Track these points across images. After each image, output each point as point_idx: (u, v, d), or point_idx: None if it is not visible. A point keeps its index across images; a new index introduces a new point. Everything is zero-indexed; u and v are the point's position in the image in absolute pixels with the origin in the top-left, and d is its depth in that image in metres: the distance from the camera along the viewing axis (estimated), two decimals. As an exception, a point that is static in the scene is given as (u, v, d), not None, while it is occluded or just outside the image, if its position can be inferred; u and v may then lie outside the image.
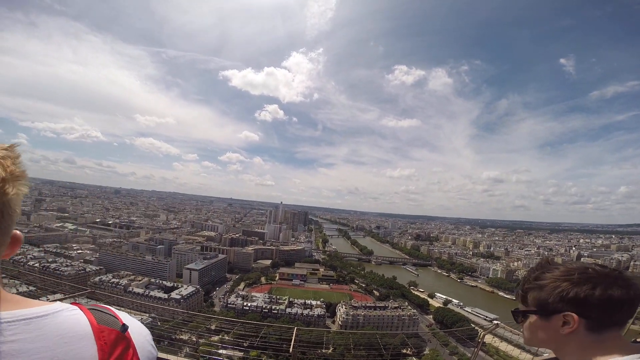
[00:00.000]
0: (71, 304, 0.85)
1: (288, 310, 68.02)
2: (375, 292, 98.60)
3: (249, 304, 69.40)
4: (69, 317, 0.79)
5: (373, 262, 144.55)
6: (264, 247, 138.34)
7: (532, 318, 1.23)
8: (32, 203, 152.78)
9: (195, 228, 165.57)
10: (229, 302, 70.71)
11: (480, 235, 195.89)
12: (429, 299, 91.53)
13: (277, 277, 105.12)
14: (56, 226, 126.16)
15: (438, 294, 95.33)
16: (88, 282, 68.02)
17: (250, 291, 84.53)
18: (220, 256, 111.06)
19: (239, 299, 72.50)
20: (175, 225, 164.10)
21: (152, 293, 69.66)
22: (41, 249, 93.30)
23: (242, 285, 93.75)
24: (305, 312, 67.71)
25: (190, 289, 74.75)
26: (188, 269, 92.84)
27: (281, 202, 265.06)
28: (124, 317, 0.91)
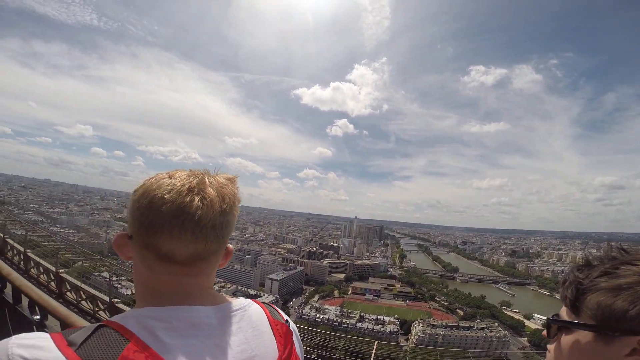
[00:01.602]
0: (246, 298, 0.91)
1: (358, 324, 67.80)
2: (459, 311, 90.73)
3: (321, 316, 71.52)
4: (254, 310, 0.84)
5: (458, 280, 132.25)
6: (338, 260, 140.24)
7: (581, 335, 0.68)
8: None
9: (277, 240, 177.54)
10: (303, 313, 74.14)
11: (595, 251, 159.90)
12: (525, 320, 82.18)
13: (350, 291, 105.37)
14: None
15: (537, 315, 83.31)
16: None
17: (324, 304, 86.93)
18: (299, 268, 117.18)
19: (313, 310, 75.41)
20: (261, 238, 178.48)
21: (237, 300, 77.87)
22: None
23: (316, 298, 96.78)
24: (377, 327, 66.41)
25: (271, 298, 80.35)
26: (270, 279, 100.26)
27: (355, 217, 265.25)
28: (282, 314, 0.94)
